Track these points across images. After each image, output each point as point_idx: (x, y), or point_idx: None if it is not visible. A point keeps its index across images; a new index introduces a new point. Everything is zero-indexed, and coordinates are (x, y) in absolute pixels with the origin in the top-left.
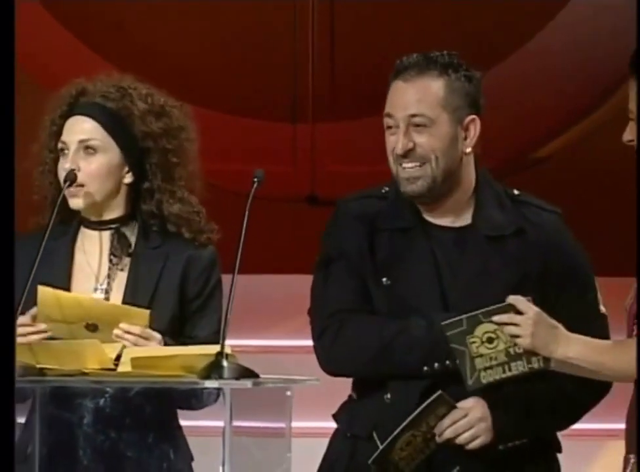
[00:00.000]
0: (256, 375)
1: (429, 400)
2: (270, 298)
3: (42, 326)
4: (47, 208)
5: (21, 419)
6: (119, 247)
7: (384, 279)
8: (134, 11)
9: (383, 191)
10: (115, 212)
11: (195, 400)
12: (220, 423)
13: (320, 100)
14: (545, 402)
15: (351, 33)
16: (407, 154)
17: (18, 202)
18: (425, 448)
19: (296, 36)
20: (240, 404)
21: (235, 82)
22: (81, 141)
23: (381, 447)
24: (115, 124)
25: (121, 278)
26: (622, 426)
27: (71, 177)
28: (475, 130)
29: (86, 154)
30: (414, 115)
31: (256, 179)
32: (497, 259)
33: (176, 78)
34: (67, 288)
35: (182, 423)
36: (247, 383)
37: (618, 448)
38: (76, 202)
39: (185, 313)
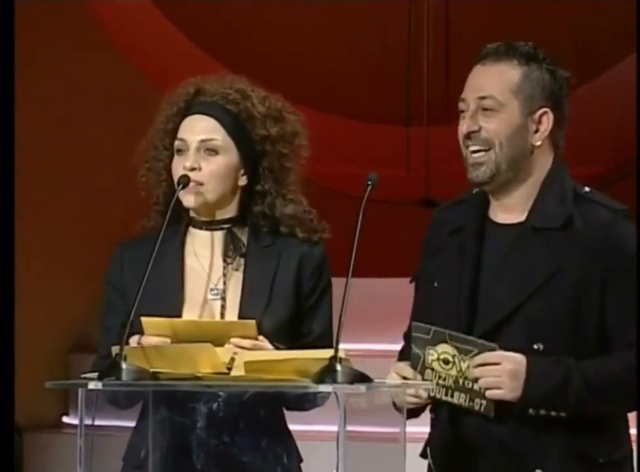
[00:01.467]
0: (370, 380)
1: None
2: (385, 301)
3: (168, 341)
4: (155, 206)
5: (131, 423)
6: (232, 247)
7: (435, 283)
8: (252, 15)
9: (473, 192)
10: (226, 212)
11: (308, 403)
12: (329, 428)
13: (434, 103)
14: (592, 383)
15: (466, 35)
16: (471, 135)
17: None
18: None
19: (410, 38)
20: (353, 408)
21: (350, 86)
22: (203, 141)
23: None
24: (236, 125)
25: (237, 278)
26: None
27: (184, 181)
28: (547, 123)
29: (207, 154)
30: (483, 98)
31: (370, 183)
32: (539, 252)
33: (291, 82)
34: (181, 292)
35: (291, 427)
36: (361, 388)
37: None
38: (190, 200)
39: (301, 310)
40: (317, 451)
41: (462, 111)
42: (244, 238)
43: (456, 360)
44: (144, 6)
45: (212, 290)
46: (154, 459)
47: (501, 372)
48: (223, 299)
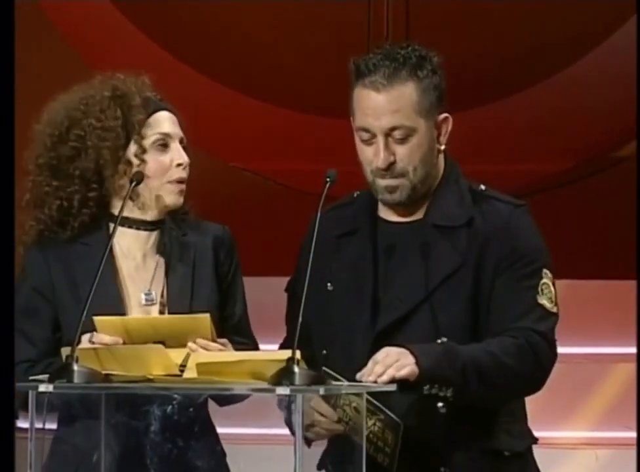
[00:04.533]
0: (327, 382)
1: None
2: None
3: (120, 340)
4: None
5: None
6: (165, 244)
7: (328, 284)
8: (214, 10)
9: (355, 195)
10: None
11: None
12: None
13: None
14: (472, 355)
15: (426, 30)
16: (388, 167)
17: None
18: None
19: (370, 34)
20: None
21: (302, 80)
22: (179, 137)
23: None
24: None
25: (164, 276)
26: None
27: (139, 178)
28: (447, 126)
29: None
30: (393, 128)
31: (328, 179)
32: (442, 249)
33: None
34: (119, 296)
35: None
36: (319, 390)
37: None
38: (180, 200)
39: (221, 292)
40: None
41: (364, 140)
42: (163, 234)
43: (364, 413)
44: (101, 5)
45: (146, 294)
46: (106, 463)
47: (389, 357)
48: (161, 303)
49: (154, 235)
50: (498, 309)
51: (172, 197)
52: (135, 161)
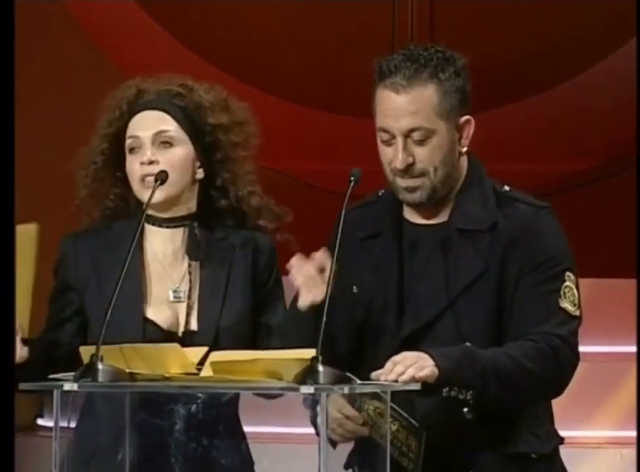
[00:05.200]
0: (352, 381)
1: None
2: None
3: None
4: (105, 211)
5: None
6: (194, 246)
7: (354, 287)
8: (231, 10)
9: (380, 193)
10: (185, 209)
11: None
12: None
13: None
14: (492, 359)
15: (450, 32)
16: (407, 169)
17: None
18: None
19: (394, 36)
20: None
21: (332, 81)
22: (157, 134)
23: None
24: (186, 116)
25: (196, 277)
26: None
27: (163, 177)
28: (469, 129)
29: (163, 147)
30: (412, 130)
31: (352, 179)
32: (466, 253)
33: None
34: (144, 294)
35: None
36: (344, 389)
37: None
38: (154, 196)
39: (258, 300)
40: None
41: (384, 141)
42: (202, 234)
43: (388, 412)
44: (125, 4)
45: (174, 292)
46: (130, 461)
47: (409, 359)
48: (188, 304)
49: (182, 233)
50: (520, 312)
51: (143, 196)
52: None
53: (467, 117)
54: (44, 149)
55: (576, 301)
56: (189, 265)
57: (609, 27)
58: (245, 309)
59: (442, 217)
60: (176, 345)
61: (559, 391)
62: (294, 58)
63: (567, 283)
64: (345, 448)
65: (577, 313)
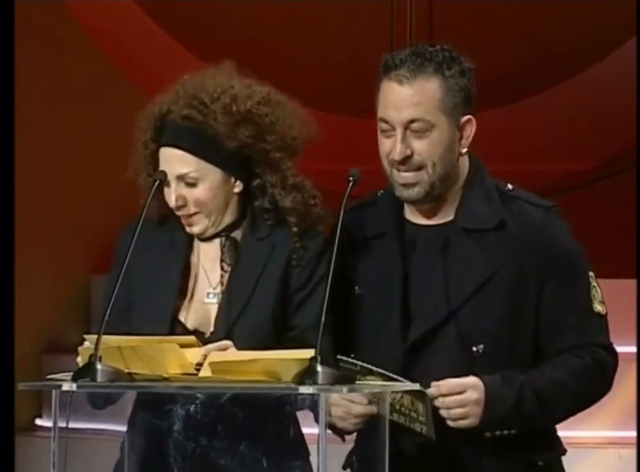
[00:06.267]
0: (351, 381)
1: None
2: None
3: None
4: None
5: (106, 426)
6: (228, 252)
7: (356, 288)
8: (235, 10)
9: (379, 194)
10: (226, 221)
11: (288, 406)
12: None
13: None
14: (543, 397)
15: (449, 32)
16: (404, 161)
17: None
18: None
19: (393, 37)
20: None
21: (332, 81)
22: (179, 177)
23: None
24: (206, 146)
25: (228, 279)
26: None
27: (161, 176)
28: (471, 129)
29: (188, 186)
30: (412, 121)
31: (351, 179)
32: (473, 254)
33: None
34: (178, 295)
35: None
36: (343, 389)
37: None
38: (194, 230)
39: (289, 303)
40: None
41: (384, 131)
42: (240, 235)
43: (387, 419)
44: (124, 5)
45: (209, 294)
46: (129, 462)
47: (467, 402)
48: (219, 304)
49: (221, 240)
50: (556, 324)
51: (187, 230)
52: None
53: (468, 116)
54: (44, 149)
55: (602, 298)
56: (222, 268)
57: (609, 27)
58: (267, 313)
59: (443, 217)
60: (175, 346)
61: (601, 398)
62: (293, 58)
63: (593, 284)
64: (345, 448)
65: (605, 311)
